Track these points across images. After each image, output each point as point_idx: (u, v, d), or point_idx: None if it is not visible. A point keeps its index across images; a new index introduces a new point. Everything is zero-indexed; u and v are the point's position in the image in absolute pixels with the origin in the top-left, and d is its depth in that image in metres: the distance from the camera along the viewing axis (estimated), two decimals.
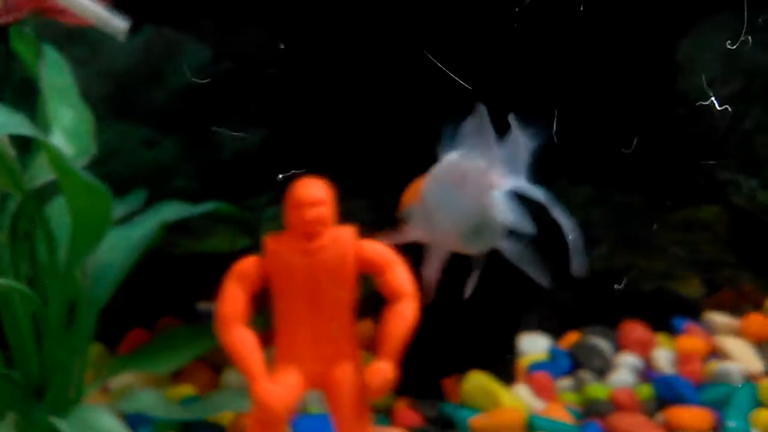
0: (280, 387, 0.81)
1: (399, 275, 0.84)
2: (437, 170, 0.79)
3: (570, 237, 0.75)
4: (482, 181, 0.74)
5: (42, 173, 1.01)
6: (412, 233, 0.81)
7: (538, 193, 0.75)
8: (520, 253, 0.77)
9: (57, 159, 0.91)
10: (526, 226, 0.75)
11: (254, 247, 1.39)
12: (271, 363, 0.84)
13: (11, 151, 0.97)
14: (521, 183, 0.75)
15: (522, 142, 0.75)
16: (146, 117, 1.47)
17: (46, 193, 1.01)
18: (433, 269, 0.82)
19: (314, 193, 0.84)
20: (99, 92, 1.37)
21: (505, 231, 0.76)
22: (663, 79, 1.42)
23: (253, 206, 1.49)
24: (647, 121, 1.45)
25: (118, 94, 1.45)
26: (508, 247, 0.77)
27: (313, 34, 1.29)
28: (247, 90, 1.45)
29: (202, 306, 1.47)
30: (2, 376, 0.95)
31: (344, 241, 0.85)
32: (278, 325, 0.86)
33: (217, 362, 1.33)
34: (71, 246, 0.98)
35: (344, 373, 0.84)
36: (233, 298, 0.84)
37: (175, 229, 1.28)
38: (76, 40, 1.37)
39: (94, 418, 0.98)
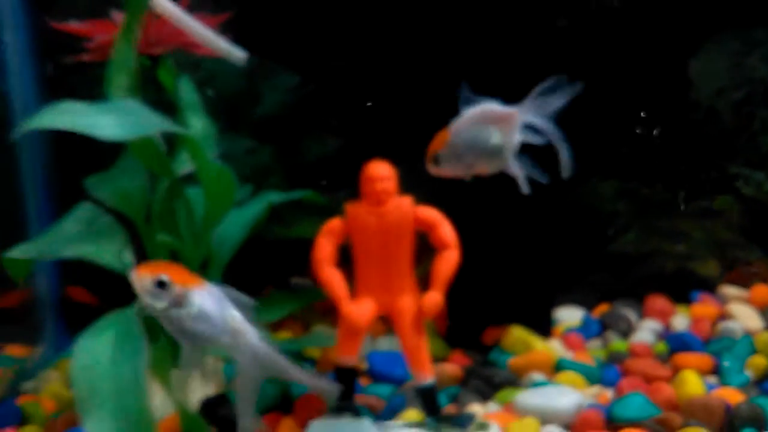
0: (360, 307, 1.12)
1: (446, 231, 1.14)
2: (465, 115, 1.09)
3: (564, 158, 1.06)
4: (503, 117, 1.05)
5: (183, 165, 1.36)
6: (443, 170, 1.12)
7: (549, 127, 1.05)
8: (522, 170, 1.08)
9: (197, 150, 1.25)
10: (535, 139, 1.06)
11: None
12: (352, 294, 1.15)
13: (163, 146, 1.32)
14: (537, 119, 1.05)
15: (549, 93, 1.05)
16: (248, 129, 1.81)
17: (186, 179, 1.36)
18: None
19: (382, 171, 1.15)
20: (214, 109, 1.72)
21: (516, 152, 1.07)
22: (679, 90, 1.66)
23: (332, 200, 1.80)
24: (667, 125, 1.69)
25: (228, 111, 1.79)
26: (514, 165, 1.08)
27: (376, 64, 1.61)
28: (327, 107, 1.76)
29: (296, 280, 1.79)
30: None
31: (404, 206, 1.15)
32: (356, 268, 1.16)
33: (306, 319, 1.65)
34: (205, 217, 1.32)
35: (405, 302, 1.14)
36: (324, 247, 1.14)
37: (270, 218, 1.60)
38: (197, 68, 1.72)
39: None
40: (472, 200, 1.43)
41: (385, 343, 1.47)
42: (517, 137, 1.07)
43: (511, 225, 1.48)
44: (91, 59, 1.25)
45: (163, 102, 1.41)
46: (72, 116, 1.06)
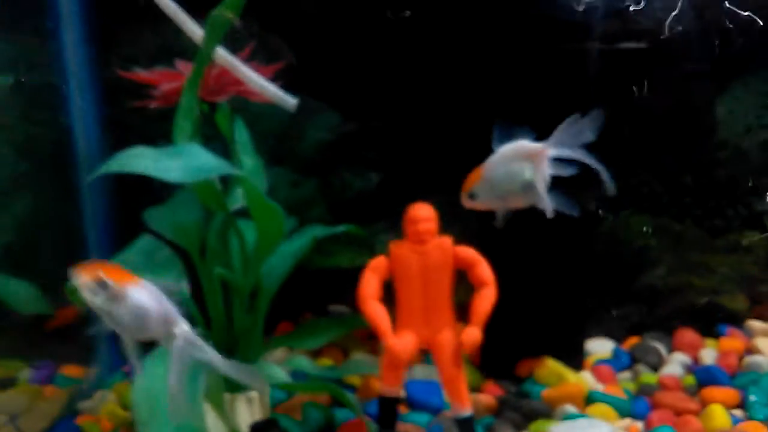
0: (403, 341, 1.19)
1: (484, 270, 1.21)
2: (499, 153, 1.16)
3: (605, 178, 1.11)
4: (533, 153, 1.12)
5: (236, 201, 1.46)
6: (477, 204, 1.19)
7: (581, 155, 1.11)
8: (551, 203, 1.13)
9: (251, 189, 1.34)
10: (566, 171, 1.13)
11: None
12: (395, 327, 1.22)
13: (218, 184, 1.42)
14: (566, 151, 1.12)
15: (575, 126, 1.11)
16: (293, 164, 1.90)
17: (239, 214, 1.45)
18: (499, 222, 1.20)
19: (425, 212, 1.23)
20: (261, 146, 1.81)
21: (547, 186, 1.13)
22: (708, 128, 1.71)
23: (370, 232, 1.88)
24: (697, 163, 1.74)
25: (274, 147, 1.89)
26: (545, 199, 1.13)
27: (413, 105, 1.69)
28: (366, 143, 1.85)
29: (333, 307, 1.88)
30: (208, 336, 1.38)
31: (445, 246, 1.23)
32: (399, 303, 1.24)
33: (346, 346, 1.73)
34: (256, 250, 1.41)
35: (446, 336, 1.21)
36: (370, 283, 1.22)
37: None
38: (244, 110, 1.82)
39: (271, 370, 1.40)
40: (506, 233, 1.50)
41: (420, 371, 1.53)
42: (548, 171, 1.13)
43: (545, 258, 1.54)
44: (157, 105, 1.35)
45: (213, 137, 1.49)
46: (144, 161, 1.16)
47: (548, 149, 1.13)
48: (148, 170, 1.15)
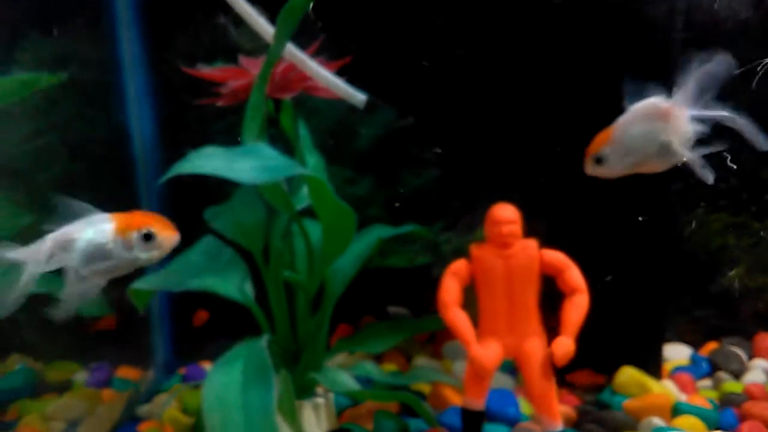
0: (488, 351, 1.13)
1: (575, 275, 1.14)
2: (631, 111, 1.05)
3: (752, 133, 0.99)
4: (669, 111, 1.02)
5: (302, 201, 1.40)
6: (605, 170, 1.07)
7: (722, 113, 1.00)
8: (699, 161, 1.02)
9: (318, 187, 1.28)
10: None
11: (432, 264, 1.72)
12: (477, 336, 1.16)
13: (285, 186, 1.36)
14: (704, 111, 1.01)
15: (703, 76, 1.00)
16: (349, 161, 1.85)
17: (302, 214, 1.40)
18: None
19: (508, 214, 1.16)
20: (316, 143, 1.76)
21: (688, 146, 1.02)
22: None
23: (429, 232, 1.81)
24: None
25: (330, 144, 1.83)
26: (691, 158, 1.02)
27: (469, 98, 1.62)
28: (424, 140, 1.77)
29: (392, 309, 1.82)
30: (273, 341, 1.33)
31: (531, 249, 1.16)
32: (481, 310, 1.17)
33: (408, 351, 1.67)
34: (323, 251, 1.35)
35: (533, 346, 1.14)
36: (450, 288, 1.16)
37: None
38: (299, 107, 1.77)
39: (337, 375, 1.34)
40: (580, 234, 1.43)
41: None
42: (689, 130, 1.01)
43: (624, 257, 1.46)
44: (224, 103, 1.29)
45: (276, 136, 1.44)
46: (215, 161, 1.11)
47: (686, 107, 1.01)
48: (220, 171, 1.10)
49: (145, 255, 0.99)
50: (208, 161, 1.12)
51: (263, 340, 1.19)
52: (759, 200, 1.66)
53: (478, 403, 1.15)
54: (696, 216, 1.67)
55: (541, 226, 1.27)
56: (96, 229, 0.98)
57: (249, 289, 1.39)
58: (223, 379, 1.14)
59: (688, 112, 1.01)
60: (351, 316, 1.79)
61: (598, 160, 1.07)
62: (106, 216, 1.00)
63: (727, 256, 1.67)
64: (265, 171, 1.15)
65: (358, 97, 1.34)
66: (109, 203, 1.64)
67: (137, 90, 1.66)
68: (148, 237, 0.98)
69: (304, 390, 1.37)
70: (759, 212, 1.66)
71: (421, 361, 1.61)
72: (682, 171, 1.10)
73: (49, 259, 0.98)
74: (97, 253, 0.98)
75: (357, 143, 1.82)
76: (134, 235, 0.98)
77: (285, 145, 1.43)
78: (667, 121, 1.02)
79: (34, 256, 0.97)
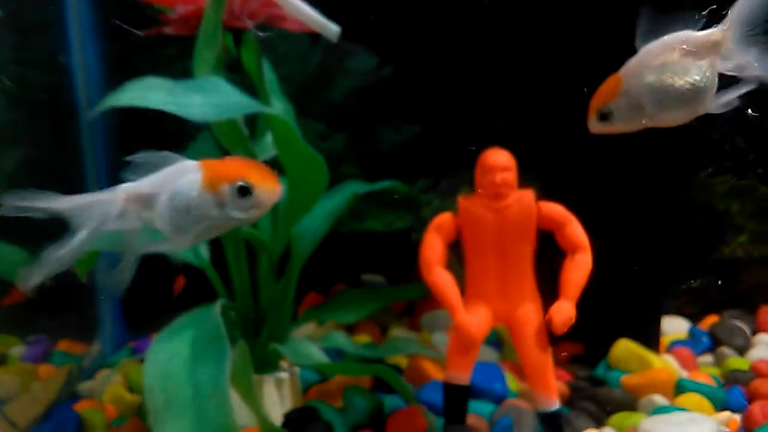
0: (476, 318, 0.98)
1: (577, 230, 0.99)
2: (644, 52, 0.86)
3: None
4: (700, 44, 0.84)
5: (264, 149, 1.24)
6: (612, 127, 0.89)
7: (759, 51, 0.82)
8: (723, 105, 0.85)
9: (284, 131, 1.11)
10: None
11: (411, 229, 1.58)
12: (464, 300, 1.00)
13: (245, 130, 1.20)
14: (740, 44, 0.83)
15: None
16: (322, 114, 1.68)
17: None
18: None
19: (503, 159, 1.00)
20: (285, 92, 1.60)
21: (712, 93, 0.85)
22: None
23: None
24: None
25: (300, 94, 1.67)
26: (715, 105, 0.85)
27: (457, 51, 1.46)
28: (404, 92, 1.62)
29: (367, 277, 1.66)
30: (231, 308, 1.17)
31: (526, 201, 1.01)
32: (469, 270, 1.02)
33: (383, 321, 1.52)
34: (289, 207, 1.19)
35: (527, 311, 0.99)
36: (433, 246, 1.01)
37: None
38: (267, 50, 1.61)
39: (303, 347, 1.19)
40: (574, 195, 1.28)
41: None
42: (719, 68, 0.83)
43: (620, 223, 1.32)
44: (173, 32, 1.12)
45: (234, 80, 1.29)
46: (159, 94, 0.95)
47: (727, 37, 0.83)
48: (164, 105, 0.94)
49: (240, 214, 0.79)
50: (150, 94, 0.95)
51: (217, 307, 1.03)
52: (766, 162, 1.53)
53: (463, 378, 0.99)
54: (698, 178, 1.53)
55: (532, 188, 1.13)
56: (182, 181, 0.79)
57: (203, 249, 1.22)
58: (167, 352, 0.99)
59: (728, 46, 0.83)
60: (321, 284, 1.64)
61: (603, 116, 0.89)
62: (194, 164, 0.81)
63: (731, 223, 1.55)
64: (220, 108, 0.99)
65: (331, 29, 1.17)
66: (52, 154, 1.49)
67: (81, 28, 1.47)
68: (243, 191, 0.79)
69: (266, 364, 1.21)
70: (766, 175, 1.53)
71: (398, 332, 1.46)
72: (686, 128, 0.96)
73: (121, 215, 0.81)
74: (182, 211, 0.79)
75: (331, 94, 1.65)
76: (226, 189, 0.79)
77: (249, 91, 1.27)
78: (698, 58, 0.84)
79: (103, 209, 0.81)
